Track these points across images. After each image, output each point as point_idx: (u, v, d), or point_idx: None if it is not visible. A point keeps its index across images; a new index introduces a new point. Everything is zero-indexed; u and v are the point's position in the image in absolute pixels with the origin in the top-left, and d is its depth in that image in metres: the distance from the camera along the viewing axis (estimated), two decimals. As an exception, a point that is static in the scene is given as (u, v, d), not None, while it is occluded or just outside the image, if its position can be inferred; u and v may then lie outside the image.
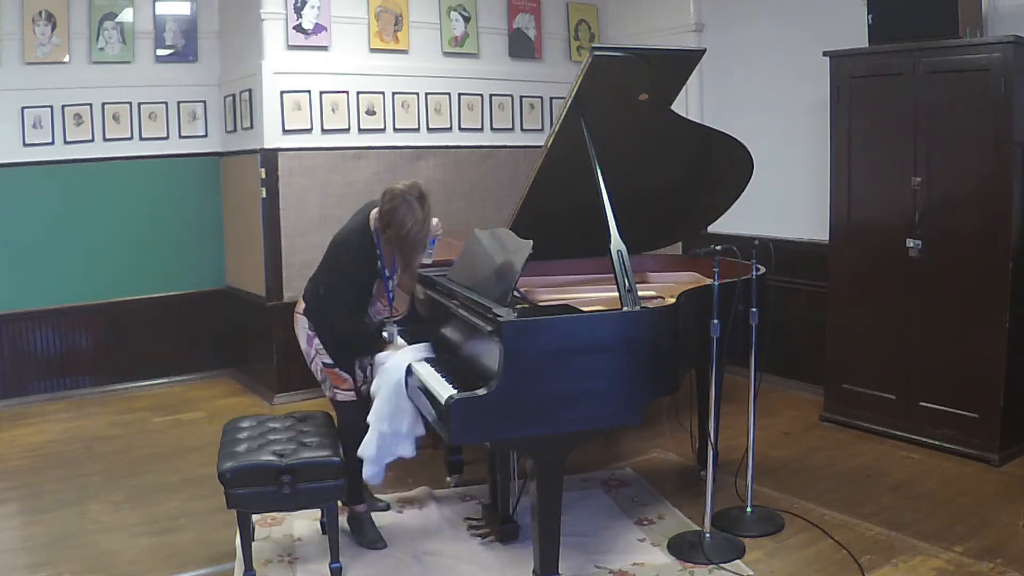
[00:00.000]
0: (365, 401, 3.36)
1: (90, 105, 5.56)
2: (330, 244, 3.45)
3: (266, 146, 5.33)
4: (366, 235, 3.32)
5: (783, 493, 3.88)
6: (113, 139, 5.65)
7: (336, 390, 3.44)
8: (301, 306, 3.45)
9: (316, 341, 3.40)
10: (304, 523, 3.62)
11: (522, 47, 6.26)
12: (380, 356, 3.27)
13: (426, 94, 5.85)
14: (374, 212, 3.32)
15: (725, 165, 3.92)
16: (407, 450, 3.24)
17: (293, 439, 3.21)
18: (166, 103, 5.79)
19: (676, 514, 3.67)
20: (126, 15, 5.57)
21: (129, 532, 3.60)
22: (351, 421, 3.40)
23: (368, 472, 3.22)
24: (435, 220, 3.41)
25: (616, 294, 3.02)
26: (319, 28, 5.40)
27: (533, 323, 2.79)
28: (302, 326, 3.43)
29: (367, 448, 3.17)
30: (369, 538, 3.43)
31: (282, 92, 5.33)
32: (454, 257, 3.69)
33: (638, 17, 6.40)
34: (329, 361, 3.41)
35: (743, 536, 3.43)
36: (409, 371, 3.17)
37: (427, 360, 3.24)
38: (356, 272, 3.34)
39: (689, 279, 4.04)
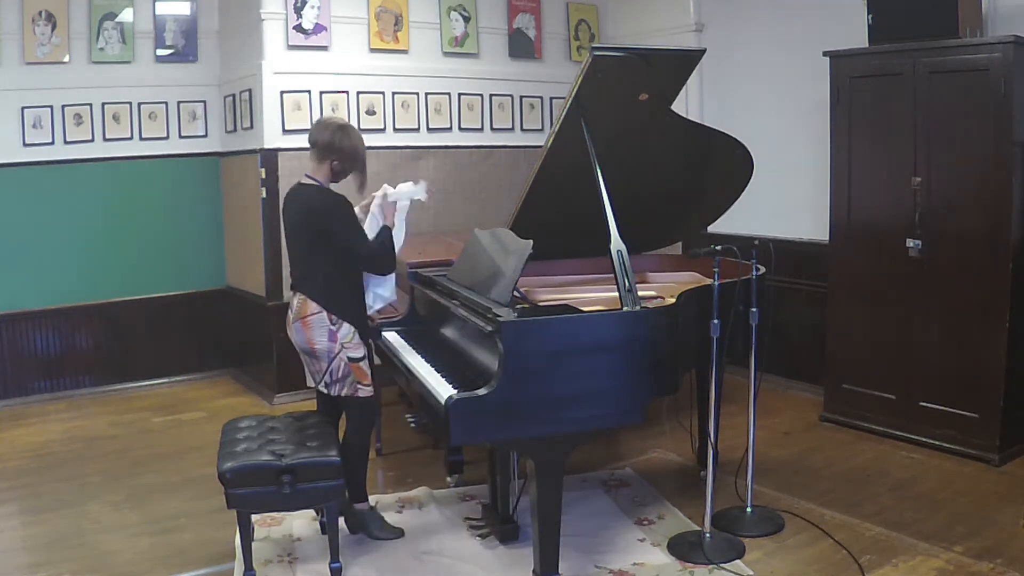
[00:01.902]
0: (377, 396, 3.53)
1: (90, 105, 5.56)
2: (301, 229, 3.41)
3: (266, 146, 5.33)
4: (329, 191, 3.39)
5: (783, 493, 3.88)
6: (113, 139, 5.65)
7: (359, 385, 3.38)
8: (310, 308, 3.31)
9: (341, 333, 3.32)
10: (304, 523, 3.63)
11: (522, 47, 6.26)
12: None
13: (426, 94, 5.86)
14: (310, 173, 3.42)
15: (725, 165, 3.92)
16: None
17: (293, 439, 3.21)
18: (166, 103, 5.79)
19: (676, 514, 3.67)
20: (126, 15, 5.57)
21: (129, 532, 3.60)
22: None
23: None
24: (424, 182, 3.59)
25: (616, 294, 3.02)
26: (319, 28, 5.40)
27: (533, 323, 2.79)
28: (319, 325, 3.31)
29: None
30: (387, 531, 3.49)
31: (282, 92, 5.33)
32: (454, 257, 3.69)
33: (638, 17, 6.40)
34: (357, 355, 3.36)
35: (743, 536, 3.43)
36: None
37: (424, 358, 3.28)
38: (353, 216, 3.38)
39: (689, 279, 4.04)
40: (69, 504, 3.90)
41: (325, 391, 3.43)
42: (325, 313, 3.32)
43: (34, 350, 5.56)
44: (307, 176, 3.42)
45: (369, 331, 3.50)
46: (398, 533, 3.49)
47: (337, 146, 3.38)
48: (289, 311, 3.45)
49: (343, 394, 3.40)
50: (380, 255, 3.40)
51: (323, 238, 3.33)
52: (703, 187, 4.05)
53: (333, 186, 3.45)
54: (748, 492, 3.61)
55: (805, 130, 5.23)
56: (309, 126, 5.34)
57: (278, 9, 5.28)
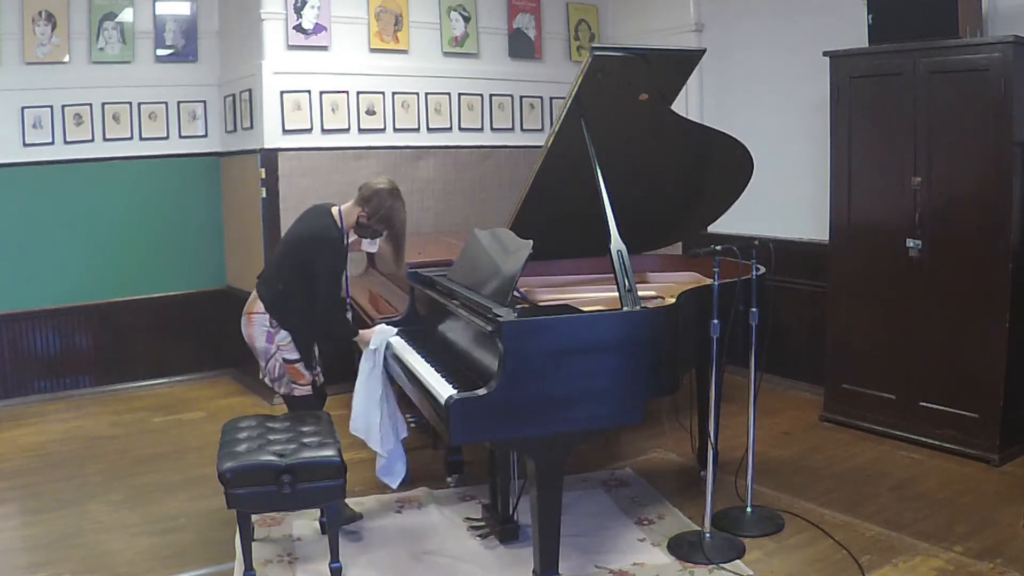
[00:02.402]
0: (320, 395, 3.66)
1: (90, 105, 5.56)
2: (292, 245, 3.54)
3: (266, 146, 5.33)
4: (339, 234, 3.49)
5: (783, 493, 3.88)
6: (113, 139, 5.66)
7: (294, 385, 3.56)
8: (257, 306, 3.52)
9: (278, 336, 3.50)
10: (304, 523, 3.63)
11: (522, 47, 6.26)
12: (363, 333, 3.56)
13: (426, 94, 5.86)
14: (342, 210, 3.53)
15: (725, 165, 3.92)
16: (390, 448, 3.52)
17: (293, 439, 3.20)
18: (166, 103, 5.80)
19: (676, 514, 3.67)
20: (126, 15, 5.57)
21: (129, 532, 3.60)
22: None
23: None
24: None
25: (616, 294, 3.03)
26: (319, 28, 5.41)
27: (533, 323, 2.79)
28: (260, 324, 3.51)
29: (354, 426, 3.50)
30: (345, 515, 3.55)
31: (282, 92, 5.33)
32: (454, 257, 3.69)
33: (638, 17, 6.40)
34: (292, 357, 3.52)
35: (743, 536, 3.44)
36: (387, 346, 3.49)
37: (424, 358, 3.29)
38: (336, 268, 3.50)
39: (689, 279, 4.04)
40: (69, 504, 3.90)
41: (270, 385, 3.65)
42: (268, 316, 3.50)
43: (34, 350, 5.57)
44: (338, 207, 3.55)
45: (309, 345, 3.57)
46: (357, 516, 3.62)
47: (373, 202, 3.47)
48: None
49: (281, 392, 3.63)
50: (330, 326, 3.52)
51: (302, 265, 3.43)
52: (703, 187, 4.05)
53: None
54: (748, 492, 3.61)
55: (805, 130, 5.23)
56: (309, 126, 5.44)
57: (278, 9, 5.29)
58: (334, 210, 3.53)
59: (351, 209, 3.52)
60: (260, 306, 3.52)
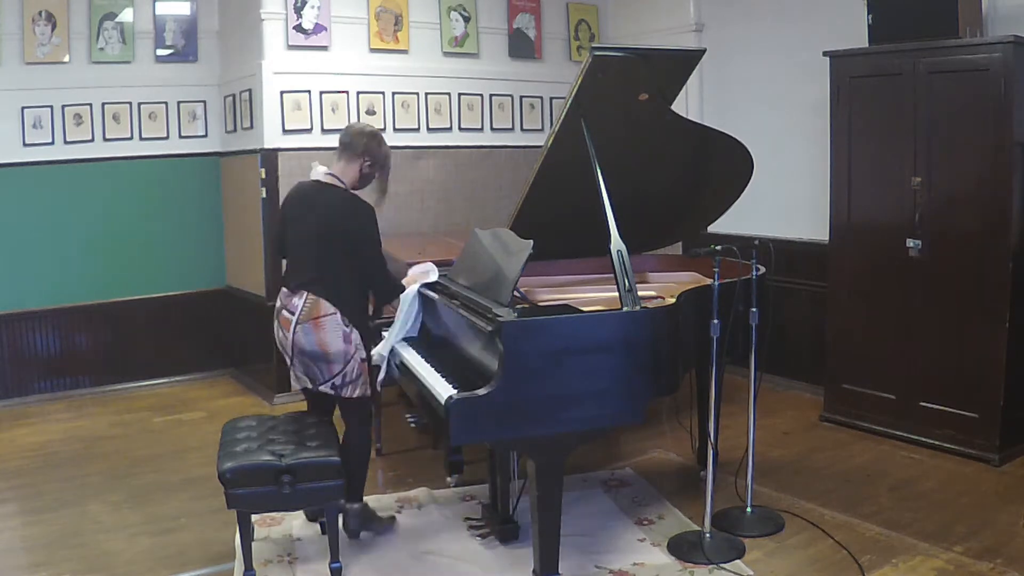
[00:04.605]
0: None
1: (90, 105, 5.56)
2: (326, 237, 3.28)
3: (266, 146, 5.33)
4: (353, 196, 3.36)
5: (783, 493, 3.88)
6: (113, 139, 5.66)
7: (368, 386, 3.39)
8: (323, 309, 3.24)
9: (355, 335, 3.31)
10: (304, 523, 3.62)
11: (522, 47, 6.26)
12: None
13: (426, 94, 5.86)
14: (336, 171, 3.36)
15: (725, 165, 3.92)
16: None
17: (293, 439, 3.20)
18: (166, 103, 5.80)
19: (676, 514, 3.67)
20: (126, 15, 5.57)
21: (129, 532, 3.60)
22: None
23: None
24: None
25: (616, 294, 3.02)
26: (319, 28, 5.41)
27: (533, 323, 2.79)
28: (333, 327, 3.25)
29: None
30: (385, 524, 3.54)
31: (282, 92, 5.34)
32: (454, 257, 3.69)
33: (638, 17, 6.40)
34: (364, 356, 3.38)
35: (743, 536, 3.44)
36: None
37: (424, 357, 3.29)
38: (377, 228, 3.37)
39: (689, 279, 4.04)
40: (69, 504, 3.90)
41: (331, 392, 3.34)
42: (339, 315, 3.26)
43: (34, 350, 5.57)
44: (330, 175, 3.35)
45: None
46: (392, 520, 3.57)
47: (372, 148, 3.38)
48: (285, 311, 3.33)
49: (355, 395, 3.35)
50: (391, 287, 3.49)
51: (349, 245, 3.28)
52: (703, 187, 4.05)
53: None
54: (748, 492, 3.61)
55: (805, 130, 5.23)
56: (309, 126, 5.44)
57: (278, 9, 5.29)
58: (329, 179, 3.34)
59: (347, 167, 3.36)
60: (326, 307, 3.25)
